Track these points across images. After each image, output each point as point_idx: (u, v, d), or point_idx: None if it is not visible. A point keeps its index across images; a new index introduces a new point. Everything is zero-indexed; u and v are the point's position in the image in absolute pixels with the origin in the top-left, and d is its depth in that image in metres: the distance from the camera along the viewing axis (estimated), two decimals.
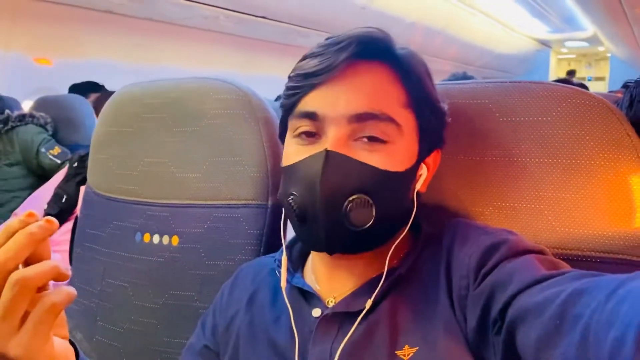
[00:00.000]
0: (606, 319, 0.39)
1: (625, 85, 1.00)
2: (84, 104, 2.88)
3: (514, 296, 0.51)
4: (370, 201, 0.59)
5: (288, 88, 0.64)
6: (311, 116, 0.61)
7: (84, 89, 3.09)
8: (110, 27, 3.56)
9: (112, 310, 0.99)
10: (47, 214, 2.01)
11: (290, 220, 0.64)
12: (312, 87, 0.61)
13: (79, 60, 3.53)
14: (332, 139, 0.59)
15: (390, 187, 0.60)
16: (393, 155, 0.61)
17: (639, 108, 0.87)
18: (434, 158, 0.68)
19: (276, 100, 2.60)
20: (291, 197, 0.60)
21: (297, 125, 0.63)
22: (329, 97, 0.61)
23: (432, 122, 0.65)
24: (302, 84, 0.62)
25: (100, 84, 3.15)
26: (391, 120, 0.60)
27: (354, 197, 0.58)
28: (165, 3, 3.36)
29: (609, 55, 10.60)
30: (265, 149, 0.88)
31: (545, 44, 9.69)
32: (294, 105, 0.63)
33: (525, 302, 0.49)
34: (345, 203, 0.58)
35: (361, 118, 0.60)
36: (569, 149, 0.66)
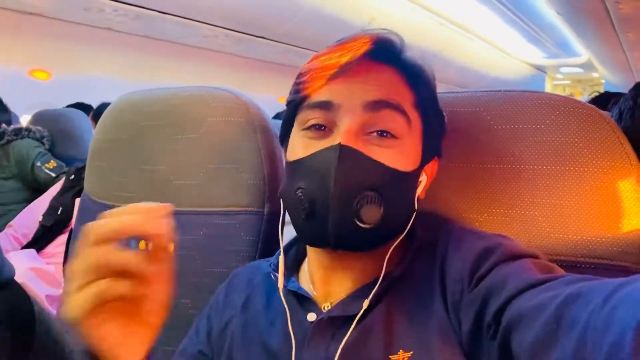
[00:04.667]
0: (603, 322, 0.39)
1: (615, 101, 1.03)
2: (82, 118, 2.88)
3: (508, 300, 0.50)
4: (380, 199, 0.59)
5: (299, 83, 0.65)
6: (325, 105, 0.62)
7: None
8: (110, 44, 3.59)
9: None
10: (42, 225, 2.00)
11: (293, 216, 0.63)
12: (326, 81, 0.62)
13: (79, 76, 3.55)
14: (344, 131, 0.59)
15: (398, 186, 0.61)
16: (402, 153, 0.61)
17: (628, 119, 0.89)
18: (431, 167, 0.68)
19: (274, 117, 2.62)
20: (299, 190, 0.60)
21: (308, 117, 0.63)
22: (344, 88, 0.62)
23: (436, 128, 0.67)
24: (316, 78, 0.63)
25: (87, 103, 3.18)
26: (404, 113, 0.61)
27: (365, 193, 0.58)
28: (165, 21, 3.40)
29: (603, 81, 10.71)
30: (263, 156, 0.88)
31: (540, 69, 9.78)
32: (304, 99, 0.64)
33: (521, 306, 0.49)
34: (357, 199, 0.58)
35: (377, 106, 0.60)
36: (562, 156, 0.67)
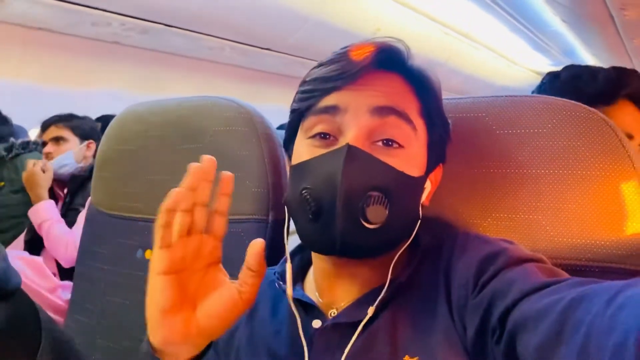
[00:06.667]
0: (607, 325, 0.39)
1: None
2: None
3: (513, 304, 0.50)
4: (386, 200, 0.58)
5: (304, 92, 0.65)
6: (332, 109, 0.61)
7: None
8: (118, 57, 3.62)
9: (112, 328, 0.98)
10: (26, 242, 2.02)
11: (299, 219, 0.62)
12: (333, 89, 0.62)
13: (87, 90, 3.58)
14: (351, 136, 0.59)
15: (405, 189, 0.61)
16: (409, 160, 0.61)
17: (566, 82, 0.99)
18: (436, 174, 0.69)
19: (279, 128, 2.63)
20: (305, 190, 0.59)
21: (313, 123, 0.63)
22: (350, 94, 0.61)
23: (441, 135, 0.67)
24: (322, 86, 0.63)
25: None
26: (410, 121, 0.62)
27: (371, 193, 0.58)
28: (171, 35, 3.42)
29: None
30: (267, 164, 0.89)
31: None
32: (310, 106, 0.64)
33: (525, 309, 0.49)
34: (363, 198, 0.57)
35: (384, 111, 0.60)
36: (565, 160, 0.67)
